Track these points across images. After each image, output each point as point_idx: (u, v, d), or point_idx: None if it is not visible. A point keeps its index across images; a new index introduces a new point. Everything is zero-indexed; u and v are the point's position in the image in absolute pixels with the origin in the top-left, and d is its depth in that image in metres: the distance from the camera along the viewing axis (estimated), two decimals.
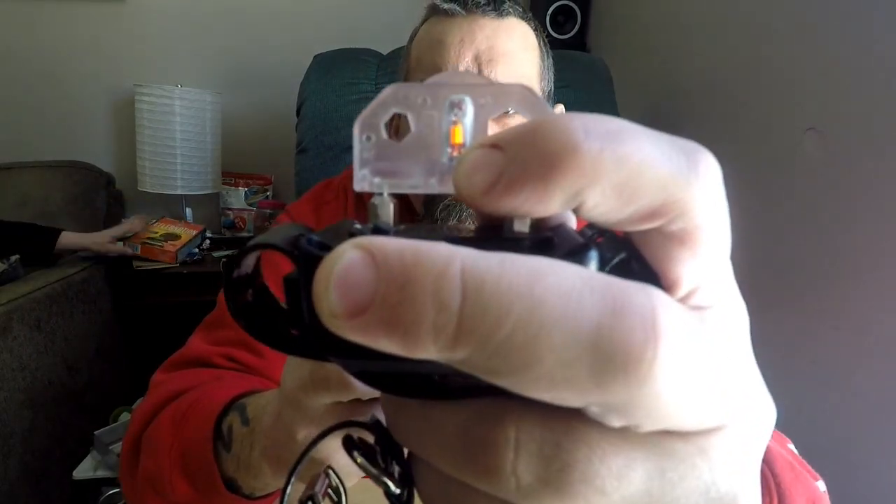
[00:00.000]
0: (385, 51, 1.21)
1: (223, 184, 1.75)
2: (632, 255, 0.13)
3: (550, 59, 0.65)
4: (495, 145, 0.12)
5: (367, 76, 1.15)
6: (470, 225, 0.14)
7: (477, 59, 0.56)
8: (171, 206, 1.77)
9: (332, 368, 0.25)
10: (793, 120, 0.92)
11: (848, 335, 0.79)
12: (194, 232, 1.54)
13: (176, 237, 1.48)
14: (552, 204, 0.11)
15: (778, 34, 0.97)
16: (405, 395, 0.13)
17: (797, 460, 0.46)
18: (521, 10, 0.61)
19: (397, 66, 1.13)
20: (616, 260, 0.13)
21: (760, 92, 1.01)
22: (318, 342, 0.12)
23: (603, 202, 0.11)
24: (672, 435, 0.12)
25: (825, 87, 0.86)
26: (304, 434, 0.28)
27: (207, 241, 1.65)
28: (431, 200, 0.59)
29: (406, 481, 0.15)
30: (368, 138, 0.14)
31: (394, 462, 0.15)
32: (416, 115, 0.14)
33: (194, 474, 0.40)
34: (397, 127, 0.58)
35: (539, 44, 0.62)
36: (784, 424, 0.53)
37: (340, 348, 0.11)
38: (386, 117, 0.14)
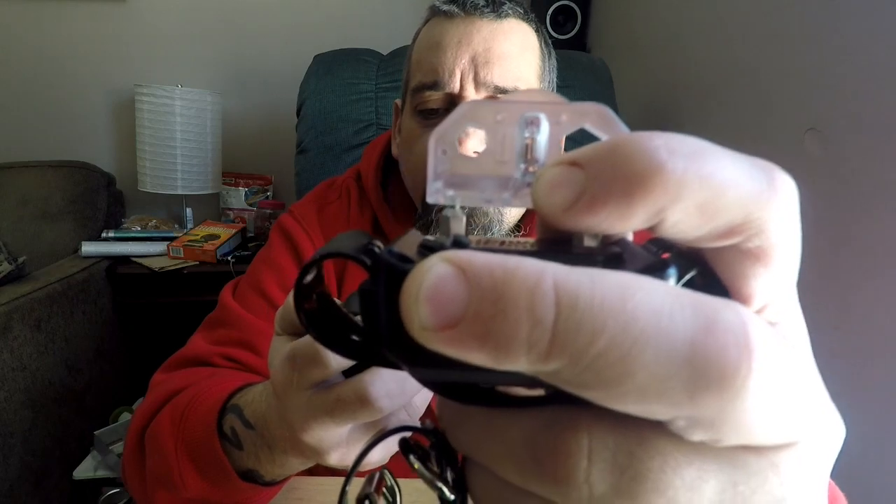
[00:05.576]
0: (385, 51, 1.21)
1: (223, 184, 1.75)
2: (702, 270, 0.13)
3: (553, 60, 0.65)
4: (575, 163, 0.12)
5: (367, 76, 1.15)
6: (531, 239, 0.15)
7: (474, 61, 0.56)
8: (171, 206, 1.78)
9: (346, 394, 0.26)
10: (793, 120, 0.92)
11: (848, 335, 0.79)
12: (233, 231, 1.56)
13: (216, 237, 1.51)
14: (634, 222, 0.11)
15: (778, 34, 0.97)
16: (471, 402, 0.14)
17: None
18: (521, 10, 0.61)
19: (397, 66, 1.13)
20: (688, 276, 0.13)
21: (760, 92, 1.01)
22: (394, 351, 0.13)
23: (684, 220, 0.11)
24: (747, 449, 0.12)
25: (825, 87, 0.86)
26: (320, 433, 0.28)
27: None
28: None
29: (460, 487, 0.15)
30: (444, 152, 0.15)
31: (448, 467, 0.15)
32: (490, 130, 0.15)
33: (206, 469, 0.40)
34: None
35: (540, 45, 0.62)
36: None
37: (416, 358, 0.11)
38: (461, 132, 0.15)
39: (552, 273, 0.10)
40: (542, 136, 0.14)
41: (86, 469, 1.21)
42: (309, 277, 0.19)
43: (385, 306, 0.12)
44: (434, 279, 0.10)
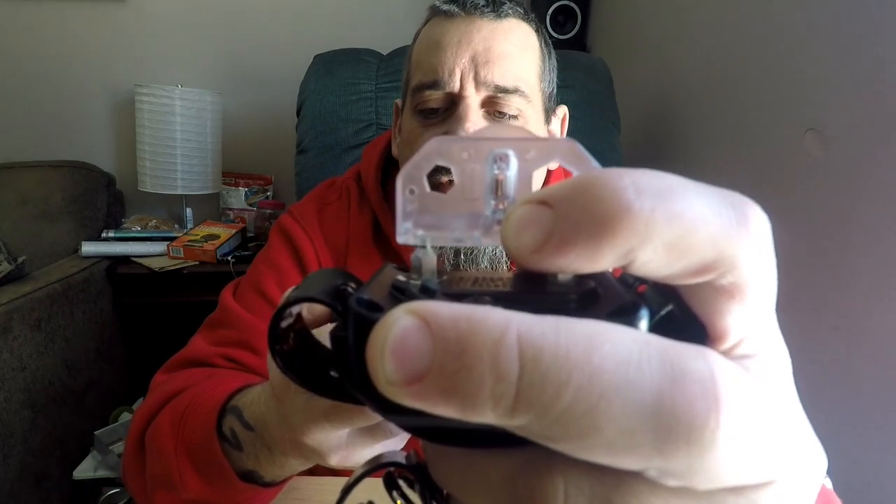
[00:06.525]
0: (385, 51, 1.21)
1: (223, 184, 1.75)
2: (677, 304, 0.13)
3: (553, 61, 0.65)
4: (544, 202, 0.12)
5: (367, 76, 1.14)
6: (507, 272, 0.15)
7: (474, 61, 0.56)
8: (171, 206, 1.78)
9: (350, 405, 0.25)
10: (793, 120, 0.92)
11: (848, 335, 0.79)
12: (233, 231, 1.56)
13: (216, 237, 1.51)
14: (603, 262, 0.11)
15: (778, 34, 0.97)
16: (450, 444, 0.13)
17: None
18: (522, 10, 0.61)
19: (397, 66, 1.13)
20: (663, 312, 0.13)
21: (760, 92, 1.01)
22: (365, 397, 0.12)
23: (654, 259, 0.11)
24: (724, 490, 0.12)
25: (825, 87, 0.86)
26: (320, 436, 0.28)
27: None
28: None
29: None
30: (412, 191, 0.14)
31: (434, 502, 0.15)
32: (458, 168, 0.14)
33: (205, 470, 0.40)
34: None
35: (540, 45, 0.62)
36: None
37: (388, 405, 0.11)
38: (428, 170, 0.14)
39: (517, 324, 0.10)
40: (512, 172, 0.14)
41: (86, 469, 1.21)
42: (283, 323, 0.18)
43: (355, 354, 0.12)
44: (399, 333, 0.10)
